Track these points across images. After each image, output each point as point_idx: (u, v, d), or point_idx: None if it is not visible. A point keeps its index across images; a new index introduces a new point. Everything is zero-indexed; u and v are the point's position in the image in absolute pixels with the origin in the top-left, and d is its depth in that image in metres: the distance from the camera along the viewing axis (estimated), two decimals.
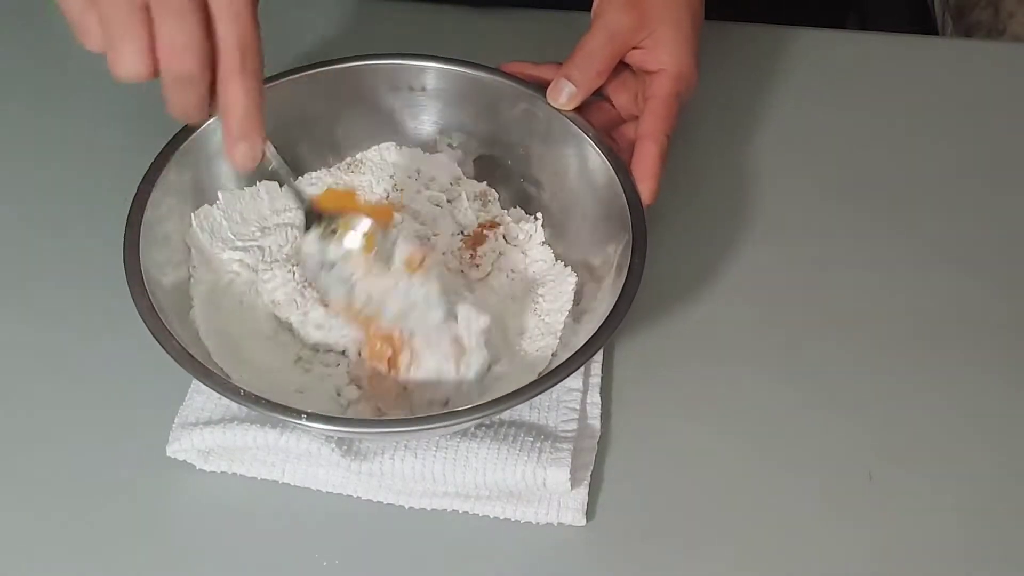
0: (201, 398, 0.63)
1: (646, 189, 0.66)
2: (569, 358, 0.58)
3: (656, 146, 0.67)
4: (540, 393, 0.58)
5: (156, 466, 0.63)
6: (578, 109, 0.68)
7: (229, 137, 0.55)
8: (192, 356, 0.58)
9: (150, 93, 0.81)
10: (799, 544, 0.61)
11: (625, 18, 0.68)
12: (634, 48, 0.69)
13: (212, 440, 0.61)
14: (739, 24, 0.87)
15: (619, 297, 0.61)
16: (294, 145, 0.71)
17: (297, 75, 0.70)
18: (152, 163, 0.64)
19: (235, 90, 0.53)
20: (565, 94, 0.68)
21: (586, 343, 0.59)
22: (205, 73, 0.52)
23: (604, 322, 0.60)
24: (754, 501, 0.63)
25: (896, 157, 0.80)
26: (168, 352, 0.57)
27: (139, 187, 0.63)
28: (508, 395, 0.57)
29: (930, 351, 0.69)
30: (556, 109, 0.68)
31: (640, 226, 0.63)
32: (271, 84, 0.68)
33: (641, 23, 0.68)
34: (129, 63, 0.51)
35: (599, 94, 0.70)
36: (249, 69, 0.53)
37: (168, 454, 0.62)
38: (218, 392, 0.57)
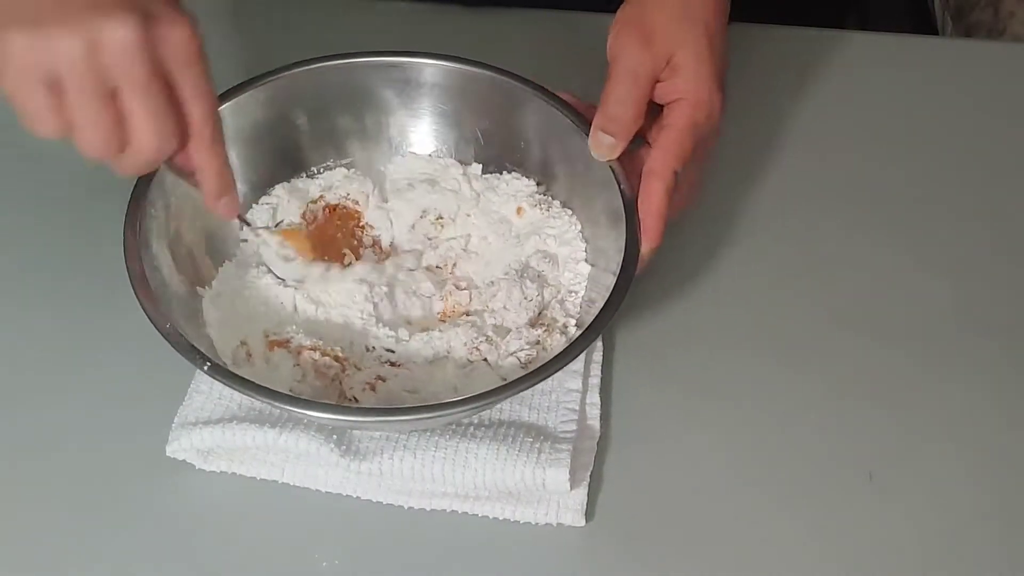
0: (201, 398, 0.63)
1: (648, 230, 0.63)
2: (550, 360, 0.59)
3: (661, 183, 0.63)
4: (519, 391, 0.58)
5: (156, 466, 0.63)
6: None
7: (210, 196, 0.59)
8: (180, 334, 0.58)
9: None
10: (799, 544, 0.61)
11: (643, 55, 0.64)
12: (658, 81, 0.65)
13: (212, 440, 0.61)
14: (739, 24, 0.87)
15: (605, 304, 0.60)
16: (296, 139, 0.72)
17: (298, 69, 0.70)
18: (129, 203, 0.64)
19: (209, 158, 0.58)
20: (606, 147, 0.65)
21: (571, 344, 0.59)
22: (165, 156, 0.56)
23: (589, 325, 0.60)
24: (754, 501, 0.63)
25: (895, 157, 0.80)
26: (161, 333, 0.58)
27: (136, 186, 0.63)
28: (490, 391, 0.57)
29: (930, 351, 0.69)
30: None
31: (633, 232, 0.63)
32: (277, 77, 0.69)
33: (660, 56, 0.65)
34: (97, 149, 0.54)
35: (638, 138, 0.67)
36: (217, 138, 0.58)
37: (168, 454, 0.62)
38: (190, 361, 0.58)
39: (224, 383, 0.58)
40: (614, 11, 0.68)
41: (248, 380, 0.58)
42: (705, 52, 0.65)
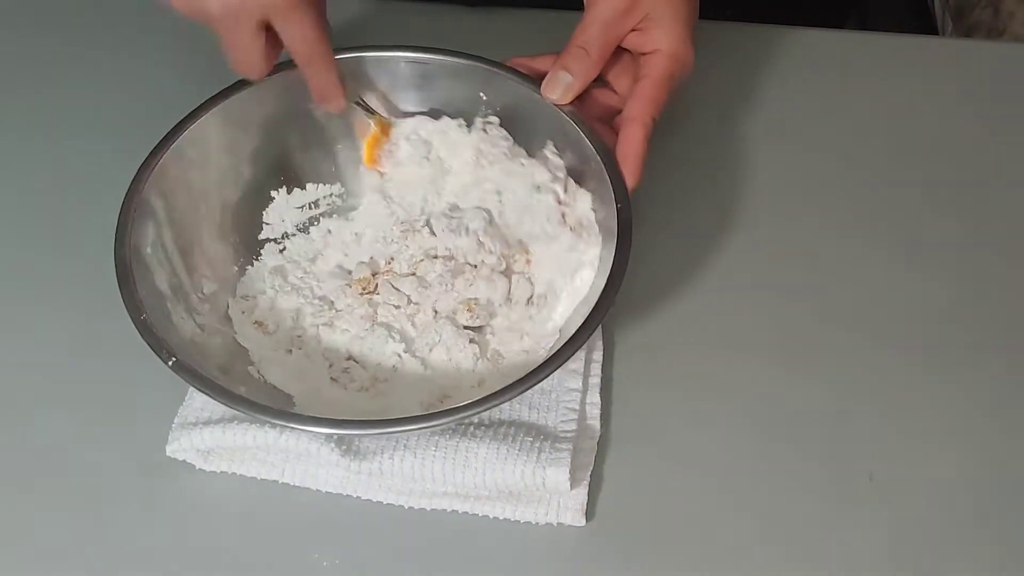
0: (201, 398, 0.63)
1: (629, 172, 0.65)
2: (547, 360, 0.59)
3: (641, 129, 0.66)
4: (514, 396, 0.58)
5: (156, 466, 0.63)
6: (577, 98, 0.68)
7: (315, 95, 0.68)
8: (176, 355, 0.59)
9: (146, 91, 0.82)
10: (799, 544, 0.61)
11: (617, 3, 0.67)
12: (630, 31, 0.68)
13: (212, 440, 0.61)
14: (739, 24, 0.87)
15: (597, 302, 0.60)
16: (289, 132, 0.72)
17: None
18: (142, 165, 0.65)
19: (310, 75, 0.67)
20: (561, 86, 0.67)
21: (565, 344, 0.59)
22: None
23: (582, 324, 0.60)
24: (754, 501, 0.63)
25: (896, 157, 0.80)
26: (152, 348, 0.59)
27: (129, 190, 0.64)
28: (482, 399, 0.57)
29: (930, 351, 0.69)
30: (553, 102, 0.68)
31: (626, 225, 0.63)
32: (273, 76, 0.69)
33: (633, 6, 0.67)
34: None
35: (601, 81, 0.70)
36: (316, 63, 0.66)
37: (168, 454, 0.62)
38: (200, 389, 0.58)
39: (187, 381, 0.58)
40: None
41: (212, 381, 0.58)
42: (682, 9, 0.68)
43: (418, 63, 0.71)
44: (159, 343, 0.59)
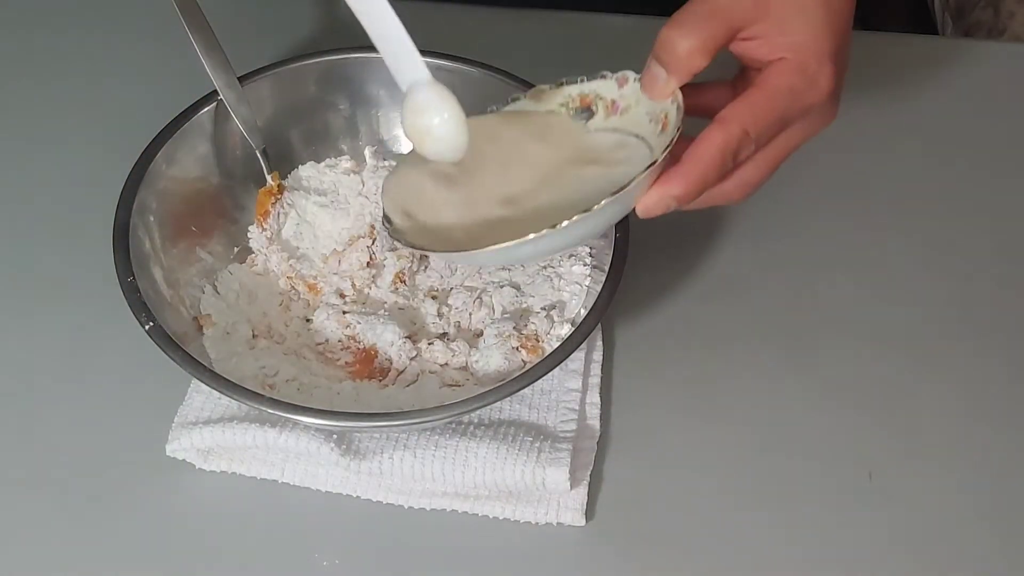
0: (201, 397, 0.63)
1: (679, 175, 0.52)
2: (543, 360, 0.59)
3: (721, 134, 0.52)
4: (511, 393, 0.58)
5: (156, 466, 0.63)
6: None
7: None
8: (181, 346, 0.59)
9: (143, 91, 0.81)
10: (799, 544, 0.61)
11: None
12: (745, 39, 0.54)
13: (211, 439, 0.61)
14: None
15: (593, 305, 0.61)
16: (286, 132, 0.72)
17: (285, 67, 0.71)
18: (136, 161, 0.65)
19: None
20: (661, 82, 0.55)
21: (562, 344, 0.60)
22: None
23: (578, 327, 0.60)
24: (754, 501, 0.63)
25: (895, 156, 0.80)
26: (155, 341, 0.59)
27: (124, 188, 0.64)
28: (485, 393, 0.57)
29: (931, 351, 0.69)
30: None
31: (620, 257, 0.62)
32: (267, 74, 0.70)
33: (759, 5, 0.53)
34: None
35: None
36: None
37: (168, 453, 0.62)
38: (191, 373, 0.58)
39: (163, 349, 0.58)
40: (615, 11, 0.68)
41: (182, 348, 0.58)
42: (820, 18, 0.54)
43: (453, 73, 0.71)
44: (141, 307, 0.59)
